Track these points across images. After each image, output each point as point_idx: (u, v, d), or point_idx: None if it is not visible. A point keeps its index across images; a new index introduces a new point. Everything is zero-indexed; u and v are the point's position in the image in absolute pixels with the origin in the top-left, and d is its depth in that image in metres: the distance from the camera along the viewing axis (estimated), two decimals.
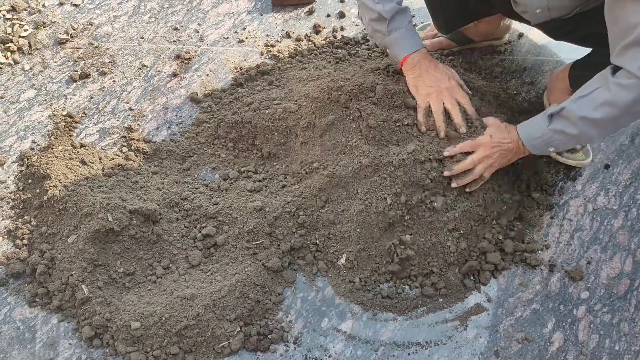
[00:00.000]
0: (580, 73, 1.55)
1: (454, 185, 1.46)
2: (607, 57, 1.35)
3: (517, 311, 1.46)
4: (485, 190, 1.52)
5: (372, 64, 1.65)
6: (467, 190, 1.48)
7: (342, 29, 2.04)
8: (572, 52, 1.60)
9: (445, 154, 1.46)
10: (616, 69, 1.25)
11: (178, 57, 1.96)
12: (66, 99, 1.84)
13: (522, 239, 1.55)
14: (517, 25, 1.96)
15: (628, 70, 1.21)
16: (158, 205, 1.52)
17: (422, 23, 2.03)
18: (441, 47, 1.88)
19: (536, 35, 1.95)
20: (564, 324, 1.44)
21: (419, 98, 1.52)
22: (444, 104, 1.51)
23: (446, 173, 1.46)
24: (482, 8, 1.66)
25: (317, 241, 1.52)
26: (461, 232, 1.49)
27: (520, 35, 2.00)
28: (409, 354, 1.39)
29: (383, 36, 1.53)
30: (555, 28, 1.58)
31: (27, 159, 1.65)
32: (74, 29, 2.01)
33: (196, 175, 1.67)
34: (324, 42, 1.99)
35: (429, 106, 1.51)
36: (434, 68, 1.54)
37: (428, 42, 1.89)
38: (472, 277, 1.49)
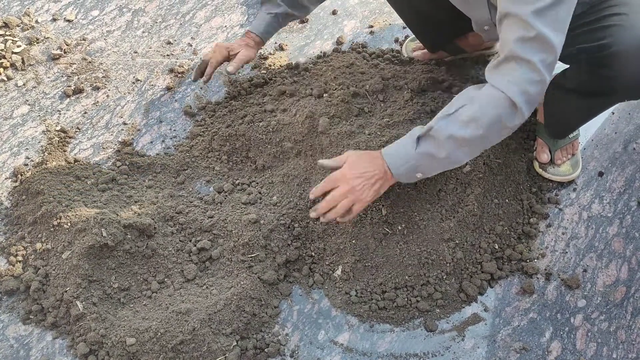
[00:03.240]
0: (556, 92, 1.57)
1: (322, 220, 1.37)
2: (579, 83, 1.39)
3: (514, 320, 1.45)
4: (480, 200, 1.53)
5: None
6: (339, 220, 1.38)
7: (338, 42, 2.05)
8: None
9: (311, 197, 1.39)
10: (483, 86, 1.25)
11: (172, 71, 1.96)
12: (60, 114, 1.84)
13: (517, 248, 1.55)
14: None
15: (496, 86, 1.20)
16: (153, 219, 1.51)
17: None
18: (433, 57, 1.89)
19: None
20: (561, 333, 1.43)
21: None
22: None
23: (312, 214, 1.39)
24: (461, 25, 1.67)
25: (313, 253, 1.51)
26: (456, 242, 1.49)
27: None
28: None
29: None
30: None
31: (21, 175, 1.65)
32: (67, 45, 2.01)
33: (191, 189, 1.66)
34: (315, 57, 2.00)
35: None
36: (238, 41, 1.76)
37: (419, 53, 1.91)
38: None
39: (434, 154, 1.26)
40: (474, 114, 1.21)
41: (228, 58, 1.73)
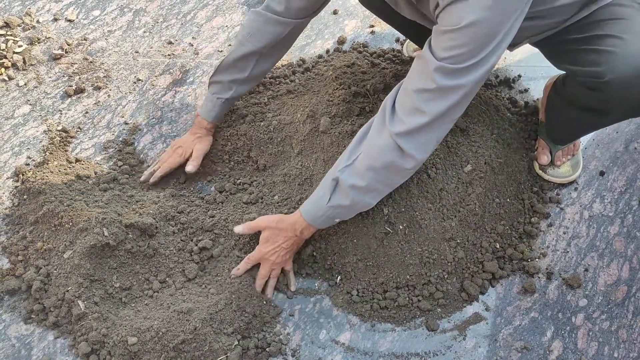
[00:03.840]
0: (556, 99, 1.57)
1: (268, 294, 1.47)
2: (577, 98, 1.40)
3: (515, 320, 1.45)
4: (481, 199, 1.53)
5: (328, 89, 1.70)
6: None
7: (339, 42, 2.05)
8: None
9: (233, 275, 1.44)
10: (378, 129, 1.28)
11: (173, 70, 1.96)
12: (61, 114, 1.84)
13: (519, 247, 1.55)
14: None
15: (387, 129, 1.25)
16: (154, 219, 1.51)
17: None
18: None
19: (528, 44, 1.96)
20: (562, 332, 1.43)
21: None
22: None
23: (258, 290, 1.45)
24: None
25: (314, 253, 1.51)
26: (458, 241, 1.49)
27: None
28: None
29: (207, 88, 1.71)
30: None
31: (22, 175, 1.65)
32: (68, 45, 2.01)
33: (192, 188, 1.66)
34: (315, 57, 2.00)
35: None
36: (187, 136, 1.70)
37: (419, 53, 1.90)
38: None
39: (341, 204, 1.34)
40: (369, 163, 1.28)
41: (184, 161, 1.67)
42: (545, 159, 1.67)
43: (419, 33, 1.75)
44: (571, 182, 1.69)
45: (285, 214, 1.53)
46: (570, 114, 1.52)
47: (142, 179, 1.67)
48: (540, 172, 1.68)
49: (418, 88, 1.19)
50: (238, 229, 1.46)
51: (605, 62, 1.24)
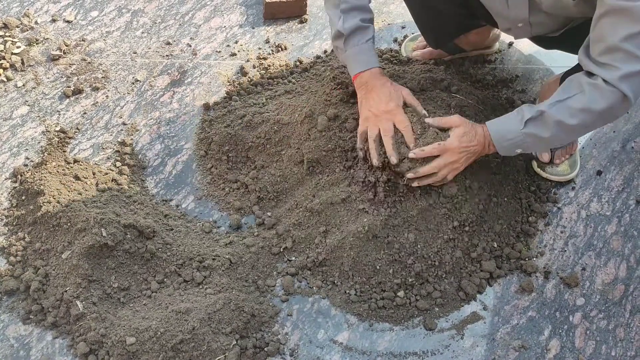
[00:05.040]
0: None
1: (415, 184, 1.42)
2: None
3: (513, 319, 1.46)
4: (479, 199, 1.53)
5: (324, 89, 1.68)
6: (421, 183, 1.42)
7: None
8: (561, 60, 1.62)
9: (411, 155, 1.38)
10: (593, 76, 1.27)
11: (171, 71, 1.96)
12: (59, 114, 1.84)
13: (516, 247, 1.56)
14: (506, 35, 1.98)
15: (608, 81, 1.22)
16: (153, 220, 1.51)
17: (412, 34, 2.04)
18: (432, 57, 1.90)
19: (526, 44, 1.97)
20: (560, 331, 1.44)
21: (359, 122, 1.48)
22: (380, 129, 1.42)
23: (409, 175, 1.40)
24: (471, 22, 1.68)
25: (319, 256, 1.51)
26: (456, 240, 1.49)
27: (510, 44, 2.02)
28: None
29: (342, 52, 1.50)
30: (544, 41, 1.60)
31: (21, 176, 1.65)
32: (66, 45, 2.02)
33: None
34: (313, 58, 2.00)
35: (366, 131, 1.45)
36: (379, 88, 1.45)
37: (419, 53, 1.91)
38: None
39: (538, 135, 1.33)
40: (586, 105, 1.26)
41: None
42: (546, 156, 1.67)
43: (438, 22, 1.73)
44: (569, 182, 1.69)
45: (285, 212, 1.53)
46: None
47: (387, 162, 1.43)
48: (538, 170, 1.69)
49: (625, 36, 1.16)
50: (429, 119, 1.41)
51: None
